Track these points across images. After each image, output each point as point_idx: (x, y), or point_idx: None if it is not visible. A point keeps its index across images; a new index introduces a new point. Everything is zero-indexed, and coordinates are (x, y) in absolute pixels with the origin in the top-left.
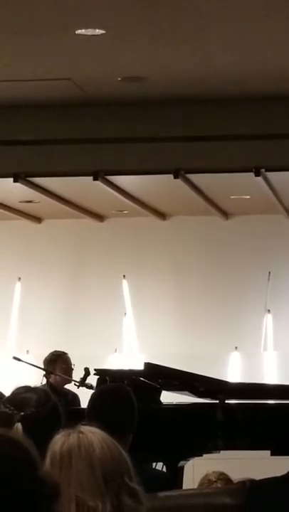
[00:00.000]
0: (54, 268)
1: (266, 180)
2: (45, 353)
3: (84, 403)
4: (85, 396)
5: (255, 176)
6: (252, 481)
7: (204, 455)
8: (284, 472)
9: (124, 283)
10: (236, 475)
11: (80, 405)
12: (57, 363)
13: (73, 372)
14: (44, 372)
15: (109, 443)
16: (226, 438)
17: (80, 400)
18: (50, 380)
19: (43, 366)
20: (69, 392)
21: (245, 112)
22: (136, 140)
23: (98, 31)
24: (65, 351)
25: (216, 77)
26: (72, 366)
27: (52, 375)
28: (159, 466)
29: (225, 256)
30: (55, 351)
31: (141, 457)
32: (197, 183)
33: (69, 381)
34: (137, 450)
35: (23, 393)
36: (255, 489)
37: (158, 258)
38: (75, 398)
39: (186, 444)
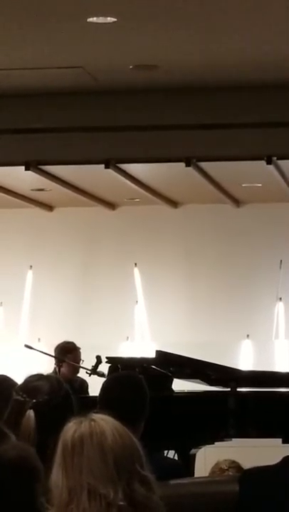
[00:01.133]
0: (65, 256)
1: (278, 168)
2: (57, 341)
3: (95, 391)
4: (96, 384)
5: (267, 163)
6: (245, 470)
7: (216, 443)
8: None
9: (136, 271)
10: (248, 463)
11: (87, 391)
12: (69, 355)
13: (85, 360)
14: (55, 361)
15: (120, 431)
16: (237, 426)
17: (89, 386)
18: (61, 369)
19: (54, 353)
20: (77, 378)
21: (257, 100)
22: (147, 128)
23: (110, 19)
24: (78, 346)
25: (227, 65)
26: (81, 361)
27: (63, 364)
28: (171, 454)
29: (236, 244)
30: (69, 342)
31: (152, 445)
32: (209, 171)
33: (78, 372)
34: (149, 438)
35: (35, 381)
36: (247, 477)
37: (169, 246)
38: (82, 384)
39: (197, 432)
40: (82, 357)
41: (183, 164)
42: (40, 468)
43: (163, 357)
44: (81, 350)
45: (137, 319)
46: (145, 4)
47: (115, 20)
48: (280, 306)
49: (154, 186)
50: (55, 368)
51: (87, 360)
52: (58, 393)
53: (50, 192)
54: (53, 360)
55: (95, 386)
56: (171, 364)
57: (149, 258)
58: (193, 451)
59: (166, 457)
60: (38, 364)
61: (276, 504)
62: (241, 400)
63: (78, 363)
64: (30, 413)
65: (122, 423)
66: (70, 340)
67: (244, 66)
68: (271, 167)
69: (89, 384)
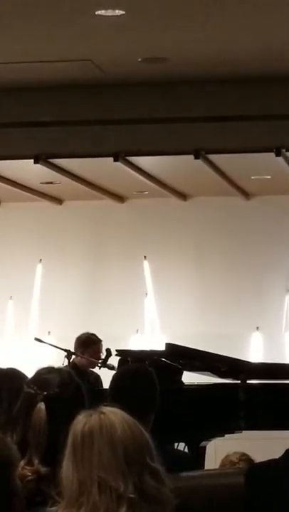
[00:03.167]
0: (75, 249)
1: (287, 160)
2: (67, 334)
3: (106, 384)
4: (106, 377)
5: (276, 156)
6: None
7: (226, 435)
8: None
9: (145, 264)
10: (258, 455)
11: (102, 386)
12: (89, 348)
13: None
14: (66, 354)
15: (130, 423)
16: (247, 418)
17: (102, 380)
18: (76, 360)
19: (65, 344)
20: (92, 373)
21: (266, 92)
22: (156, 121)
23: (118, 12)
24: (100, 339)
25: (236, 57)
26: (102, 355)
27: (78, 356)
28: (181, 446)
29: (246, 236)
30: (93, 334)
31: (163, 438)
32: (218, 163)
33: (94, 364)
34: (159, 431)
35: (46, 374)
36: (252, 472)
37: (179, 239)
38: (97, 379)
39: (207, 425)
40: None
41: (192, 157)
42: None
43: (173, 349)
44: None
45: (147, 312)
46: None
47: (123, 13)
48: None
49: (163, 179)
50: (69, 361)
51: None
52: (68, 386)
53: (59, 185)
54: (63, 353)
55: (104, 379)
56: (180, 357)
57: (159, 251)
58: (203, 443)
59: (177, 450)
60: (48, 357)
61: (282, 499)
62: (251, 392)
63: (97, 357)
64: (41, 406)
65: (132, 416)
66: (80, 333)
67: (253, 58)
68: (280, 159)
69: (99, 377)
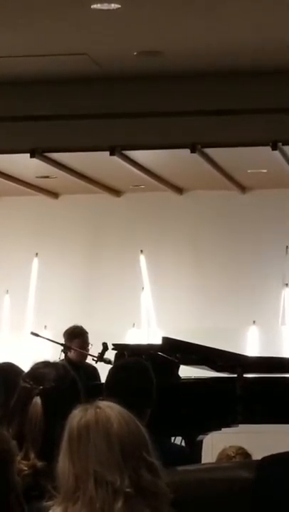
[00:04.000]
0: (71, 243)
1: (283, 154)
2: (63, 328)
3: (102, 378)
4: (103, 371)
5: (273, 149)
6: (264, 457)
7: (223, 429)
8: None
9: (142, 258)
10: (255, 449)
11: (99, 378)
12: (76, 339)
13: (91, 347)
14: (62, 347)
15: (127, 418)
16: (244, 412)
17: (99, 373)
18: (69, 354)
19: (62, 338)
20: (89, 365)
21: (262, 86)
22: (152, 114)
23: (114, 6)
24: (87, 330)
25: (232, 51)
26: (90, 346)
27: (71, 350)
28: (178, 440)
29: (242, 230)
30: (77, 327)
31: (159, 432)
32: (214, 157)
33: (86, 356)
34: (156, 425)
35: (42, 368)
36: (265, 464)
37: (175, 233)
38: (94, 371)
39: (204, 419)
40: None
41: (188, 150)
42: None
43: (169, 343)
44: (88, 337)
45: (143, 306)
46: None
47: (119, 6)
48: (286, 292)
49: (160, 173)
50: (66, 355)
51: (94, 347)
52: (64, 380)
53: (55, 179)
54: (59, 347)
55: (101, 373)
56: (177, 350)
57: (155, 245)
58: (200, 437)
59: (174, 444)
60: (44, 351)
61: None
62: (248, 386)
63: (86, 347)
64: (37, 400)
65: (129, 410)
66: None
67: (249, 51)
68: (277, 153)
69: (96, 369)
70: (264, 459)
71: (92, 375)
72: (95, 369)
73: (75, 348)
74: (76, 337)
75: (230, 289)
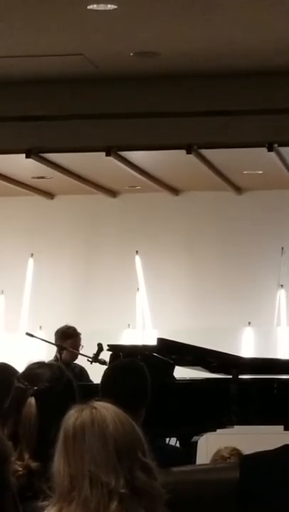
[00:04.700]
0: (66, 244)
1: (279, 155)
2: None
3: (97, 379)
4: (98, 372)
5: (268, 150)
6: (245, 455)
7: (218, 430)
8: None
9: (137, 258)
10: (249, 450)
11: (88, 378)
12: (68, 340)
13: (86, 348)
14: (57, 348)
15: (122, 418)
16: (239, 413)
17: (91, 374)
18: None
19: (54, 337)
20: (76, 365)
21: (258, 87)
22: (148, 115)
23: (110, 6)
24: (79, 331)
25: (228, 52)
26: (80, 348)
27: (69, 351)
28: (173, 441)
29: (238, 231)
30: (70, 327)
31: (154, 432)
32: (210, 158)
33: (77, 357)
34: (151, 425)
35: (36, 368)
36: (247, 462)
37: (171, 233)
38: (82, 371)
39: (199, 420)
40: (84, 344)
41: (184, 151)
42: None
43: (164, 344)
44: (83, 338)
45: (139, 307)
46: None
47: (116, 7)
48: (281, 293)
49: (155, 174)
50: (56, 356)
51: (89, 348)
52: (59, 380)
53: (51, 180)
54: (54, 348)
55: (96, 374)
56: (172, 351)
57: (150, 245)
58: (195, 438)
59: (168, 444)
60: (39, 352)
61: (277, 489)
62: (243, 387)
63: (78, 348)
64: (32, 400)
65: (124, 411)
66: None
67: (245, 53)
68: (272, 154)
69: (90, 372)
70: (244, 457)
71: (79, 375)
72: (82, 370)
73: (69, 348)
74: (69, 337)
75: (226, 290)
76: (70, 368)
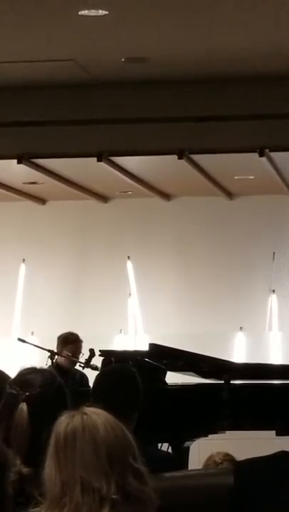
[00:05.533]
0: (58, 249)
1: (270, 160)
2: (50, 334)
3: (89, 384)
4: (90, 377)
5: (260, 156)
6: (239, 461)
7: (210, 435)
8: None
9: (129, 264)
10: (242, 456)
11: (88, 385)
12: (68, 345)
13: (82, 356)
14: (49, 354)
15: (113, 424)
16: (231, 418)
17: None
18: (58, 360)
19: (49, 344)
20: (77, 372)
21: (249, 92)
22: (140, 121)
23: (101, 12)
24: (81, 339)
25: (219, 57)
26: (81, 355)
27: (62, 356)
28: (165, 447)
29: (229, 236)
30: (72, 334)
31: (146, 438)
32: (201, 163)
33: (75, 362)
34: (143, 431)
35: (28, 374)
36: (241, 468)
37: (162, 239)
38: (82, 378)
39: (191, 425)
40: None
41: (175, 157)
42: (9, 458)
43: (156, 350)
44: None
45: (130, 312)
46: None
47: (107, 13)
48: (273, 298)
49: (147, 179)
50: (52, 361)
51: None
52: (50, 386)
53: (42, 185)
54: (46, 353)
55: (88, 379)
56: (164, 357)
57: (142, 251)
58: (187, 443)
59: (160, 450)
60: (31, 357)
61: (271, 496)
62: (234, 392)
63: (78, 355)
64: (23, 406)
65: (115, 416)
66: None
67: (236, 58)
68: (264, 159)
69: (84, 375)
70: (238, 464)
71: (79, 382)
72: (82, 376)
73: (62, 354)
74: (71, 342)
75: (218, 296)
76: (69, 373)
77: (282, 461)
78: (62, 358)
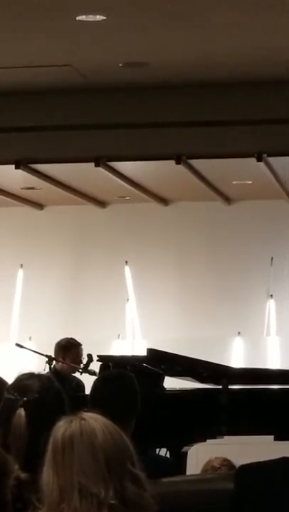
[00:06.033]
0: (56, 254)
1: (268, 165)
2: (48, 339)
3: (87, 389)
4: (87, 382)
5: (258, 161)
6: (241, 466)
7: (208, 441)
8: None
9: (127, 269)
10: (240, 460)
11: (84, 392)
12: (70, 352)
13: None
14: (47, 359)
15: (111, 429)
16: (229, 423)
17: (84, 386)
18: (57, 366)
19: (47, 349)
20: (74, 378)
21: (247, 97)
22: (138, 126)
23: (99, 17)
24: (80, 342)
25: (217, 62)
26: (82, 359)
27: (59, 362)
28: (163, 451)
29: (227, 241)
30: (72, 339)
31: (144, 443)
32: (199, 168)
33: (76, 369)
34: (141, 436)
35: (26, 379)
36: (243, 472)
37: (160, 244)
38: (79, 385)
39: (189, 430)
40: None
41: (173, 162)
42: (9, 464)
43: (154, 355)
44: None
45: (128, 317)
46: (134, 2)
47: (104, 18)
48: (271, 303)
49: (145, 184)
50: (50, 367)
51: None
52: (48, 391)
53: (40, 190)
54: (44, 359)
55: (86, 385)
56: (162, 362)
57: (140, 256)
58: (185, 448)
59: (158, 455)
60: (29, 363)
61: (273, 501)
62: (233, 397)
63: (79, 360)
64: (21, 411)
65: (113, 421)
66: (61, 338)
67: (234, 63)
68: (261, 164)
69: (85, 383)
70: (241, 468)
71: (75, 389)
72: (78, 383)
73: (61, 360)
74: (73, 347)
75: (216, 301)
76: (67, 380)
77: (283, 466)
78: (63, 365)
